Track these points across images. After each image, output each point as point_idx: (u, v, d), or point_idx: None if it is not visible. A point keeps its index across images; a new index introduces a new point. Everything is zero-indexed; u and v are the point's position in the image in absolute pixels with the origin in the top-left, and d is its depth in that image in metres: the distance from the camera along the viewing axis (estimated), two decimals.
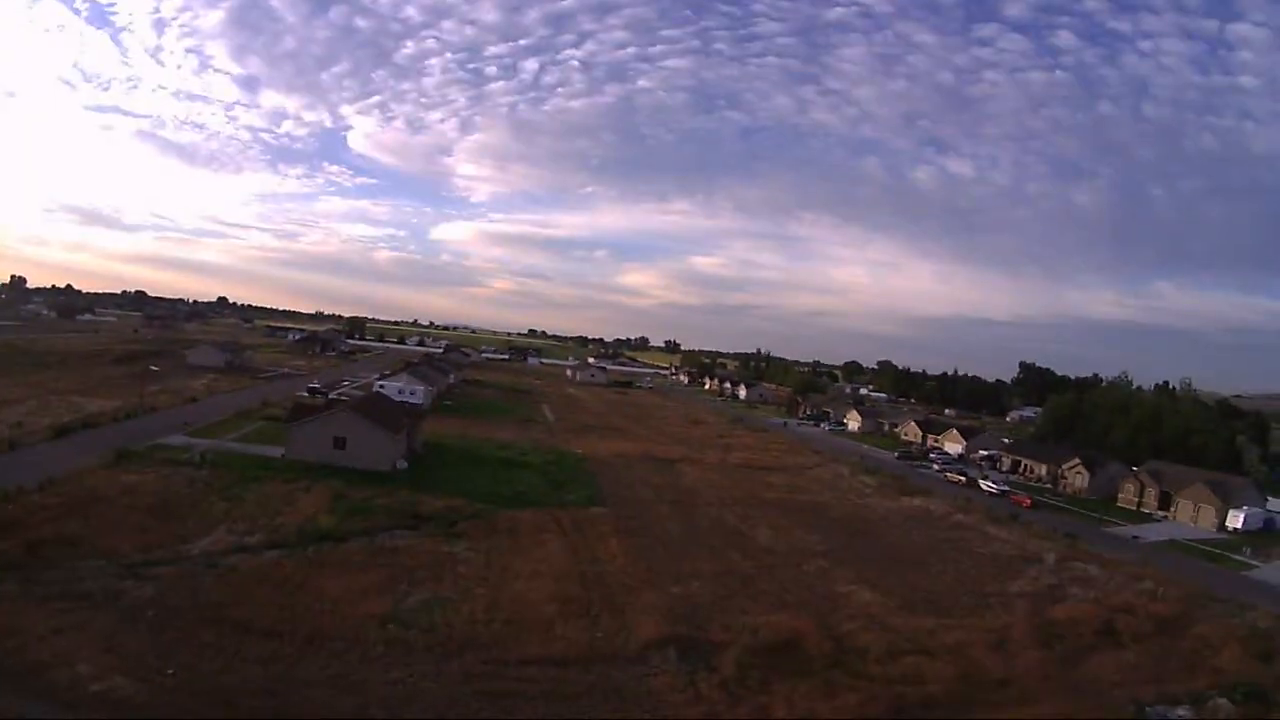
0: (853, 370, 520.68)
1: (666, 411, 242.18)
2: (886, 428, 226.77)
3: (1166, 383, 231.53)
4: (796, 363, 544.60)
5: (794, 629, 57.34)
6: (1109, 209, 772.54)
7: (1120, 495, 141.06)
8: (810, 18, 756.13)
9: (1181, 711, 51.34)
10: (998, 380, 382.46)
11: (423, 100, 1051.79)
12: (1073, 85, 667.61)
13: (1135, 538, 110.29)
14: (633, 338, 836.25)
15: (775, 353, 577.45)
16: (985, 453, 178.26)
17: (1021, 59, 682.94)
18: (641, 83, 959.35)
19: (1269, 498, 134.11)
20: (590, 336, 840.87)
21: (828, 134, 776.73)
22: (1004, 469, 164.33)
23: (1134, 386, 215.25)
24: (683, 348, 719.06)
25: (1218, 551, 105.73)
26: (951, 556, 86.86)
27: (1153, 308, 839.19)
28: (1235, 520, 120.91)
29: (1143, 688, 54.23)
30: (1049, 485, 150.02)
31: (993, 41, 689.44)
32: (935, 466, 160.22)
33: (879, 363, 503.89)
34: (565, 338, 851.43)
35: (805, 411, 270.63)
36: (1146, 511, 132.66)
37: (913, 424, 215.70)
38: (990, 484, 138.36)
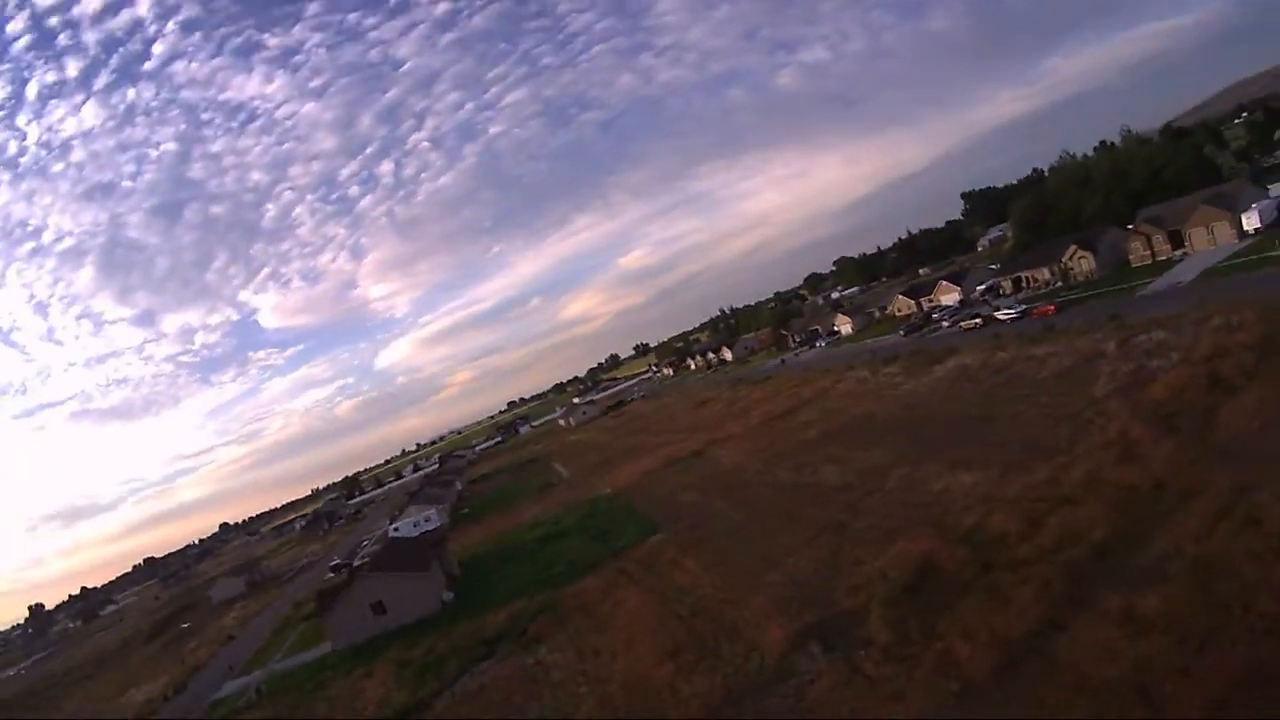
0: (815, 282, 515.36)
1: (667, 409, 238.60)
2: (878, 314, 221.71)
3: (1103, 141, 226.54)
4: (761, 303, 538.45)
5: (921, 553, 51.34)
6: (970, 13, 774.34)
7: (1131, 257, 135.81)
8: None
9: None
10: (948, 222, 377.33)
11: (306, 250, 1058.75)
12: None
13: (1178, 283, 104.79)
14: (603, 360, 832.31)
15: (736, 304, 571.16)
16: (984, 285, 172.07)
17: None
18: (493, 130, 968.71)
19: (1268, 187, 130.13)
20: (565, 380, 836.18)
21: (682, 87, 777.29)
22: (1008, 292, 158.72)
23: (1078, 156, 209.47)
24: (652, 345, 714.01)
25: (1254, 258, 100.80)
26: (1018, 397, 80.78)
27: (1053, 85, 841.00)
28: (1252, 221, 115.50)
29: None
30: (1060, 284, 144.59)
31: None
32: (945, 324, 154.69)
33: (835, 263, 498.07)
34: (545, 393, 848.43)
35: (794, 340, 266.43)
36: (1164, 259, 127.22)
37: (900, 297, 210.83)
38: (1006, 311, 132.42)
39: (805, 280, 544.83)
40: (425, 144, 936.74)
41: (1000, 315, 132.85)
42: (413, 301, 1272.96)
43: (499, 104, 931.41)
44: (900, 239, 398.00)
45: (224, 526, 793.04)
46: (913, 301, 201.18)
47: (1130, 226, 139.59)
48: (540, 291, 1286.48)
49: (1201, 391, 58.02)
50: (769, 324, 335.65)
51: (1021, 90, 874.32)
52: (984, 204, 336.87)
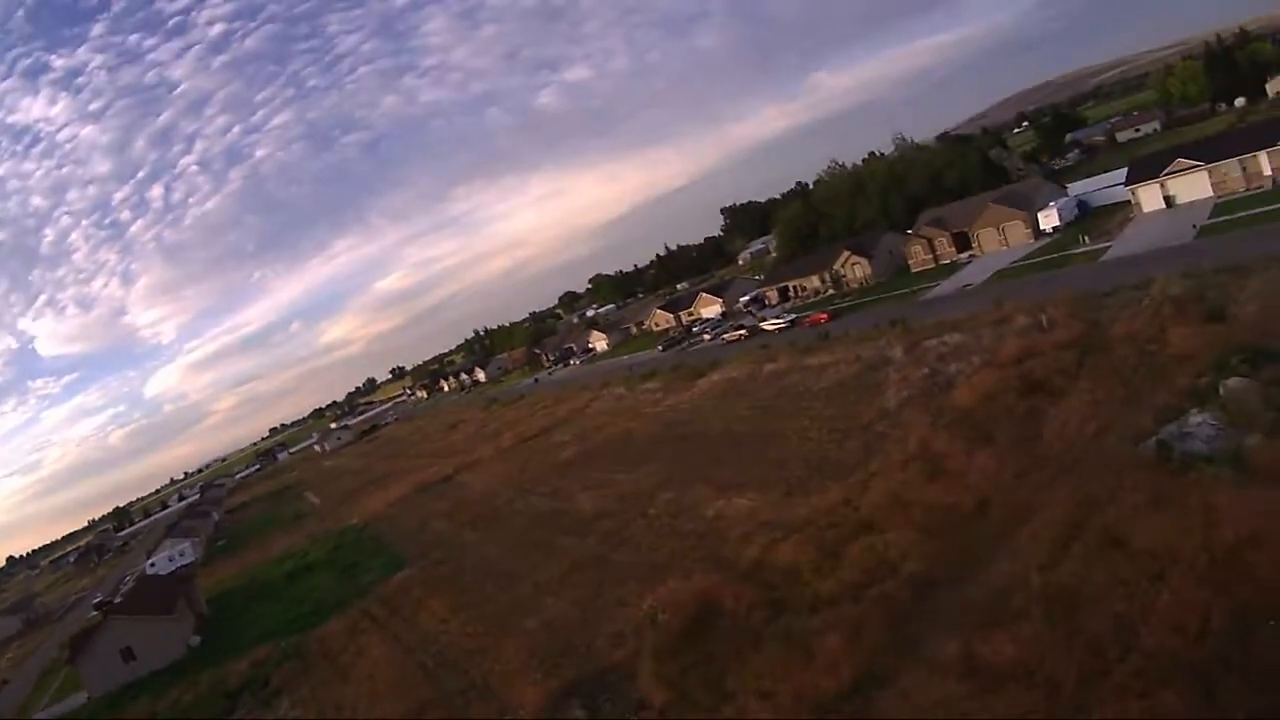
0: (571, 301, 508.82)
1: (420, 432, 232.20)
2: (635, 330, 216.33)
3: (874, 152, 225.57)
4: (516, 324, 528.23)
5: (697, 592, 43.34)
6: (736, 31, 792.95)
7: (911, 261, 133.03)
8: (382, 13, 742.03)
9: (1199, 417, 38.82)
10: (708, 238, 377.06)
11: (81, 276, 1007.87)
12: None
13: (967, 285, 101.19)
14: (361, 384, 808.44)
15: (491, 324, 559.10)
16: (747, 297, 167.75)
17: None
18: (259, 153, 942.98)
19: (1066, 186, 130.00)
20: (324, 405, 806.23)
21: (445, 108, 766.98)
22: (774, 303, 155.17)
23: (850, 166, 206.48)
24: (408, 368, 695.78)
25: (1055, 256, 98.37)
26: (797, 410, 74.01)
27: (818, 101, 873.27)
28: (1050, 219, 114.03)
29: (1125, 422, 42.23)
30: (832, 291, 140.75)
31: None
32: (707, 337, 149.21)
33: (590, 280, 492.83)
34: (304, 418, 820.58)
35: (549, 359, 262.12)
36: (949, 262, 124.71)
37: (658, 311, 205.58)
38: (773, 321, 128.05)
39: (561, 299, 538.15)
40: (194, 167, 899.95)
41: (767, 326, 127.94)
42: (179, 327, 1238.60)
43: (265, 126, 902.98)
44: (658, 255, 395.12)
45: (10, 560, 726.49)
46: (672, 315, 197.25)
47: (909, 231, 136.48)
48: (301, 316, 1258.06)
49: (1016, 396, 51.34)
50: (523, 343, 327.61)
51: (787, 106, 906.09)
52: (745, 218, 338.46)
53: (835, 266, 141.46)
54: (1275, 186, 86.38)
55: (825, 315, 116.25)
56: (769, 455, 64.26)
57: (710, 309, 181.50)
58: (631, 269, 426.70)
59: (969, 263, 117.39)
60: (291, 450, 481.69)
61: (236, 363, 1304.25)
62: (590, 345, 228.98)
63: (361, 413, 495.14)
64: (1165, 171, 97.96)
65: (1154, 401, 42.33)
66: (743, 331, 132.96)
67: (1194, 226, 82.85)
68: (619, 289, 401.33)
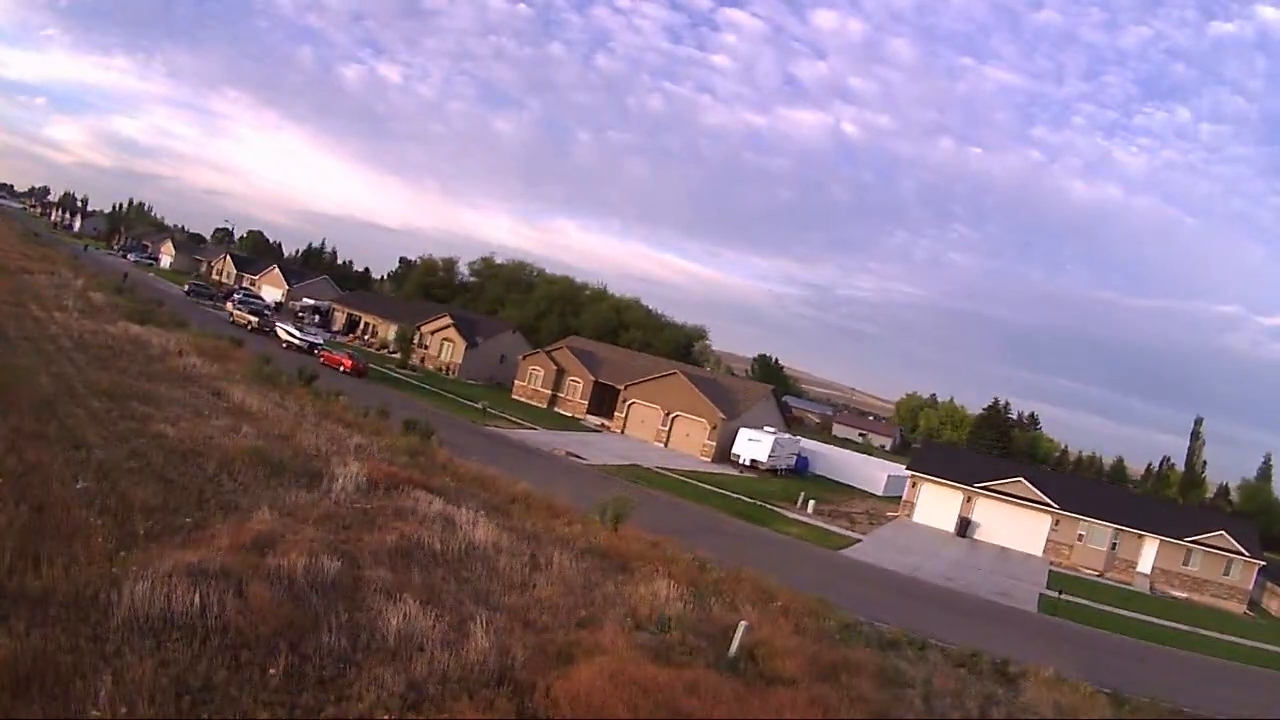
0: (222, 236, 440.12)
1: None
2: (206, 266, 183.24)
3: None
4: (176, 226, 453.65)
5: None
6: (528, 142, 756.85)
7: (519, 382, 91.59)
8: None
9: None
10: (382, 275, 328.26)
11: None
12: (532, 20, 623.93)
13: (572, 455, 60.31)
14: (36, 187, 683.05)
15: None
16: (310, 302, 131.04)
17: None
18: None
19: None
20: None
21: (274, 14, 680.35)
22: (336, 327, 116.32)
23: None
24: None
25: (750, 500, 60.23)
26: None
27: (551, 241, 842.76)
28: (755, 448, 76.51)
29: None
30: (397, 354, 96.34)
31: None
32: (229, 306, 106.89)
33: (249, 232, 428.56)
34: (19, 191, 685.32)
35: (121, 242, 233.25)
36: (567, 415, 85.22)
37: (228, 258, 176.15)
38: (293, 332, 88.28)
39: (216, 230, 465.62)
40: None
41: (281, 332, 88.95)
42: None
43: None
44: (312, 248, 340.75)
45: None
46: (236, 270, 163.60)
47: (547, 350, 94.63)
48: (49, 95, 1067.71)
49: None
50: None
51: (520, 223, 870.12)
52: (415, 274, 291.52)
53: (423, 326, 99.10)
54: None
55: (351, 362, 76.17)
56: None
57: (273, 290, 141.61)
58: (295, 251, 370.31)
59: (598, 433, 77.94)
60: None
61: None
62: (159, 256, 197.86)
63: None
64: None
65: None
66: (253, 320, 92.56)
67: None
68: (256, 250, 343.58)
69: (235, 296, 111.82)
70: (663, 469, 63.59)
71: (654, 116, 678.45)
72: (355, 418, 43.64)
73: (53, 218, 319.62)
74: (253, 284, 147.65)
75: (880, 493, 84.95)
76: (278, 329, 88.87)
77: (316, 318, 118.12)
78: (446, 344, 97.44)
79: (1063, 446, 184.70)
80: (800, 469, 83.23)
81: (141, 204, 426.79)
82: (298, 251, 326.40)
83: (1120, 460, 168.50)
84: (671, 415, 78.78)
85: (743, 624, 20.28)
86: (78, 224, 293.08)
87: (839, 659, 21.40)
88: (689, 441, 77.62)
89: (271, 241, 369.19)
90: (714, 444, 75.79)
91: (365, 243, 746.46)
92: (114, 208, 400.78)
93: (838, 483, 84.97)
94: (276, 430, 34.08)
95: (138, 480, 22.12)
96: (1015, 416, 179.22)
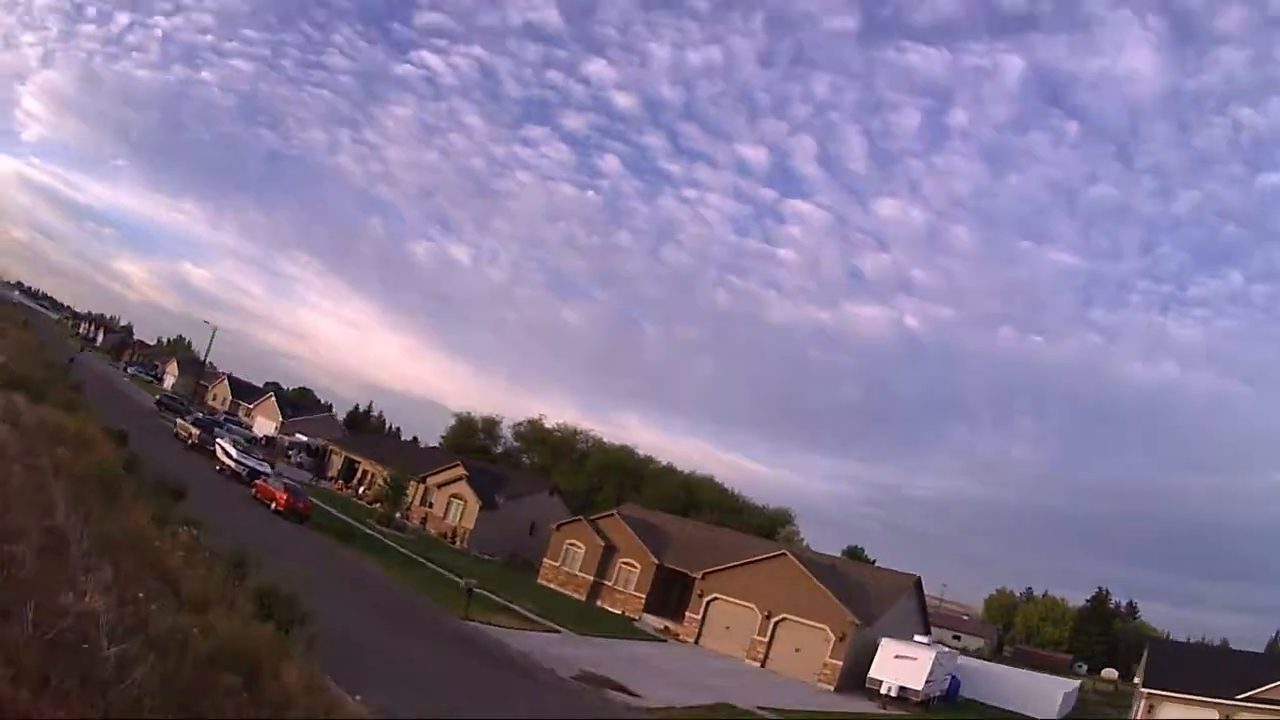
0: (270, 387, 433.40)
1: None
2: (200, 389, 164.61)
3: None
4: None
5: None
6: (596, 333, 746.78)
7: (549, 561, 66.31)
8: (379, 67, 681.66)
9: None
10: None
11: (24, 18, 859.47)
12: (601, 208, 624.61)
13: (612, 687, 35.08)
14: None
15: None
16: (303, 438, 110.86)
17: (559, 168, 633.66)
18: (205, 74, 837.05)
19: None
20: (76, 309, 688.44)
21: (346, 182, 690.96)
22: (333, 472, 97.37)
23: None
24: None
25: None
26: None
27: (615, 435, 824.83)
28: (908, 669, 48.47)
29: None
30: (380, 506, 73.61)
31: (537, 144, 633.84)
32: (179, 420, 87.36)
33: (299, 387, 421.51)
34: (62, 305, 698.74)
35: (128, 358, 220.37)
36: (616, 613, 61.07)
37: (226, 382, 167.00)
38: (231, 452, 69.03)
39: (266, 383, 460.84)
40: (159, 32, 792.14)
41: (221, 450, 70.32)
42: (40, 139, 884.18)
43: (228, 58, 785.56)
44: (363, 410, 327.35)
45: None
46: (230, 395, 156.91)
47: (595, 519, 70.25)
48: (118, 227, 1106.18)
49: None
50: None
51: (587, 413, 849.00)
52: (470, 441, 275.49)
53: (432, 480, 76.85)
54: None
55: (286, 500, 55.00)
56: None
57: (266, 422, 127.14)
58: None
59: (660, 640, 54.78)
60: None
61: (49, 209, 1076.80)
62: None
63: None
64: None
65: None
66: (193, 433, 76.57)
67: None
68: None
69: (216, 420, 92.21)
70: (768, 711, 37.75)
71: (721, 312, 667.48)
72: (187, 565, 21.80)
73: (80, 330, 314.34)
74: (248, 413, 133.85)
75: (1055, 717, 59.46)
76: (217, 446, 70.47)
77: (305, 456, 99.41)
78: (456, 502, 74.68)
79: (1166, 634, 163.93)
80: (951, 695, 56.23)
81: (183, 337, 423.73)
82: (343, 411, 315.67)
83: (1225, 641, 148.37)
84: (774, 619, 52.93)
85: None
86: (101, 338, 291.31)
87: None
88: (799, 659, 51.44)
89: (321, 401, 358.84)
90: (839, 663, 49.59)
91: (419, 417, 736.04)
92: (158, 340, 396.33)
93: (1001, 710, 57.90)
94: None
95: None
96: (1113, 606, 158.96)
